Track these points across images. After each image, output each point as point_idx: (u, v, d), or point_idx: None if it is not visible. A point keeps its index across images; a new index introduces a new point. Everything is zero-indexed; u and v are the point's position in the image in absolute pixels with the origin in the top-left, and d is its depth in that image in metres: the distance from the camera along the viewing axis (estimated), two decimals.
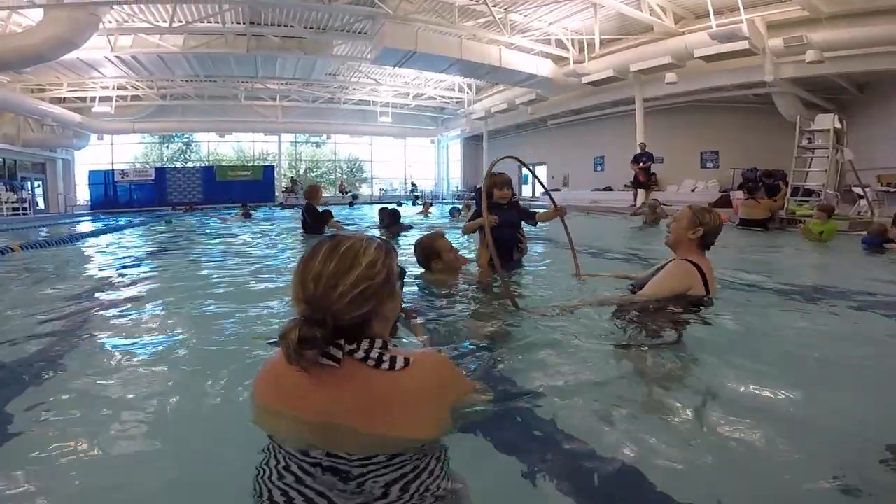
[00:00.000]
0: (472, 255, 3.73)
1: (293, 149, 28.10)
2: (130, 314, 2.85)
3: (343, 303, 0.98)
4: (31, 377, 1.87)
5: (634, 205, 13.46)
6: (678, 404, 1.62)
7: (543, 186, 4.38)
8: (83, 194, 21.48)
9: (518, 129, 22.95)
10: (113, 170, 21.49)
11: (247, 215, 12.36)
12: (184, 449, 1.38)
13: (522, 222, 3.83)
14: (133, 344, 2.24)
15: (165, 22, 12.17)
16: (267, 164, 25.01)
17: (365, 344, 1.01)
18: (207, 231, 9.50)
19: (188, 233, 9.23)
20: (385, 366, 0.99)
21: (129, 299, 3.23)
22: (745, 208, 8.22)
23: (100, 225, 11.68)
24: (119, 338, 2.37)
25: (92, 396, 1.68)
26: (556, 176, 21.95)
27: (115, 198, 20.52)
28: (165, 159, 26.40)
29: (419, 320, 2.29)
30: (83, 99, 18.84)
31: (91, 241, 7.84)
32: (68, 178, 21.68)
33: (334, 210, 14.81)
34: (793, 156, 9.94)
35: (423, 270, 3.23)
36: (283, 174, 25.63)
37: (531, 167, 3.91)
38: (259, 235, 8.16)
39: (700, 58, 11.40)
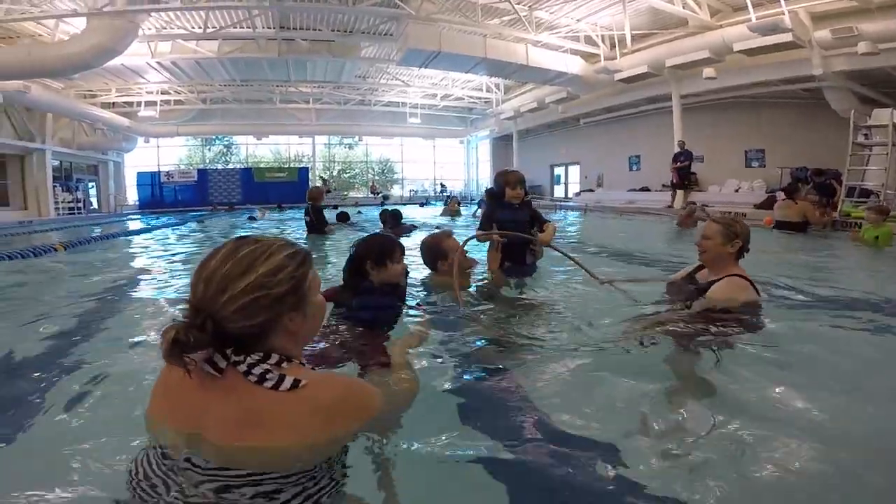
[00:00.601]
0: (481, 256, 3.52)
1: (327, 151, 28.68)
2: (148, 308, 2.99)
3: (229, 309, 0.90)
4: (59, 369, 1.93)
5: (672, 206, 13.06)
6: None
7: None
8: (132, 195, 22.72)
9: (549, 129, 22.48)
10: (159, 171, 22.66)
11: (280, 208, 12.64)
12: None
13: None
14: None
15: (200, 28, 12.66)
16: (301, 165, 25.64)
17: (253, 357, 0.94)
18: (230, 230, 9.78)
19: (217, 232, 9.51)
20: (268, 384, 0.92)
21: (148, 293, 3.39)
22: (781, 210, 7.63)
23: (138, 225, 12.29)
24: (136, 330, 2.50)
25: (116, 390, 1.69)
26: (590, 176, 21.34)
27: (161, 198, 21.62)
28: (207, 161, 27.52)
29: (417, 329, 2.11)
30: (130, 104, 19.88)
31: (129, 239, 8.28)
32: (119, 179, 22.96)
33: (364, 209, 15.05)
34: (847, 153, 9.26)
35: (429, 273, 3.05)
36: (318, 175, 26.19)
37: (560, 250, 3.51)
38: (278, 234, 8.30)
39: (740, 52, 10.78)
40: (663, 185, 15.92)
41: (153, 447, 0.94)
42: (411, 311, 2.42)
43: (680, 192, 13.12)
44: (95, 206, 21.31)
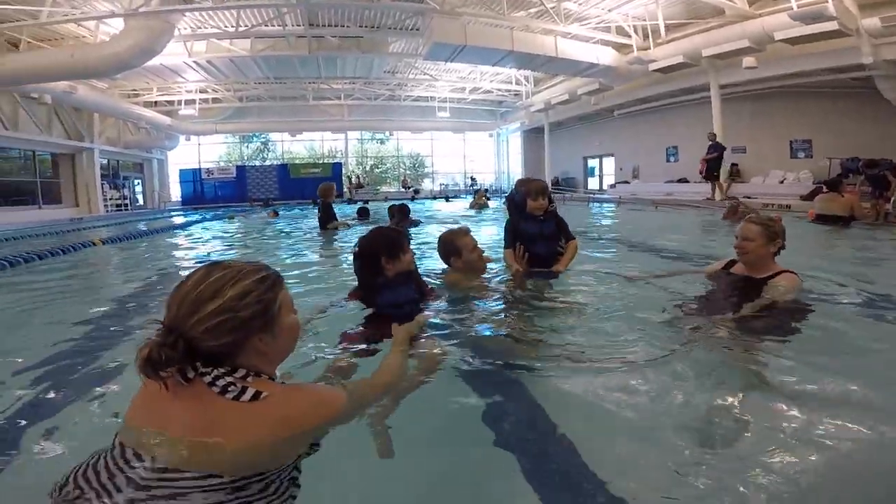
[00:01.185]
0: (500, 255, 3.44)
1: (359, 146, 29.05)
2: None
3: (198, 330, 0.98)
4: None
5: (711, 198, 12.72)
6: None
7: None
8: (175, 191, 23.73)
9: (581, 121, 21.95)
10: (200, 168, 23.54)
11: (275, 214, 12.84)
12: None
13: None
14: None
15: (233, 27, 13.01)
16: (335, 161, 26.07)
17: (219, 371, 1.01)
18: (251, 227, 10.04)
19: (245, 229, 9.86)
20: (230, 395, 0.99)
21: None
22: (823, 202, 7.14)
23: (173, 221, 12.84)
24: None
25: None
26: (625, 168, 20.73)
27: (203, 194, 22.45)
28: (245, 158, 28.39)
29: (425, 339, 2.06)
30: (171, 102, 20.73)
31: (161, 236, 8.65)
32: (163, 176, 24.04)
33: (396, 202, 15.13)
34: None
35: (445, 269, 3.01)
36: (352, 171, 26.59)
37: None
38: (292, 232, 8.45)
39: (782, 41, 10.20)
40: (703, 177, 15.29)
41: (114, 449, 0.98)
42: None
43: (720, 184, 12.79)
44: (141, 202, 22.39)
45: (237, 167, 24.12)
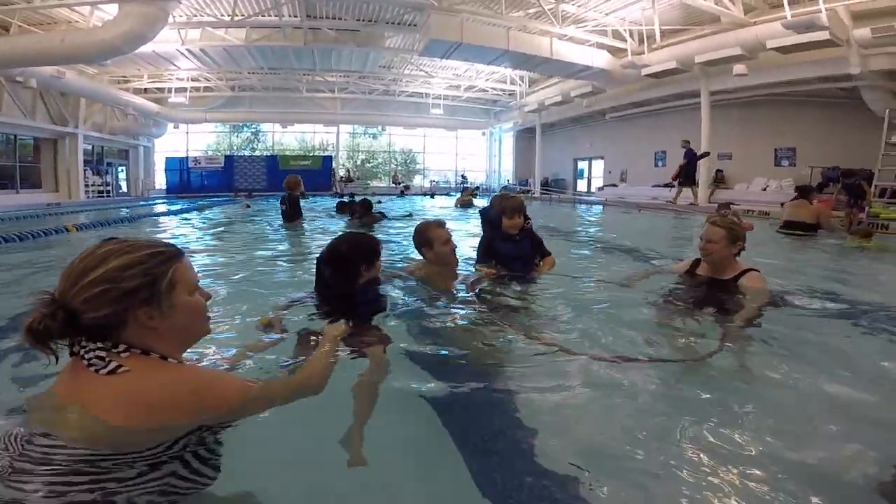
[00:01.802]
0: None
1: (351, 140, 28.87)
2: None
3: (78, 300, 0.96)
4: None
5: (673, 201, 13.36)
6: None
7: None
8: (161, 179, 23.31)
9: (574, 122, 22.15)
10: (187, 157, 23.16)
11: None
12: None
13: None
14: None
15: (228, 16, 12.85)
16: (326, 154, 25.89)
17: (95, 345, 0.98)
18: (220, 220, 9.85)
19: (210, 221, 9.63)
20: (92, 369, 0.97)
21: None
22: (791, 208, 7.04)
23: (150, 209, 12.52)
24: None
25: None
26: (614, 171, 21.01)
27: (189, 183, 22.11)
28: (235, 148, 28.00)
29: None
30: (161, 90, 20.35)
31: (140, 223, 8.47)
32: (148, 164, 23.57)
33: (383, 200, 15.11)
34: (879, 153, 8.93)
35: (421, 263, 3.03)
36: (342, 164, 26.43)
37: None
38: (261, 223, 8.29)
39: (774, 49, 10.43)
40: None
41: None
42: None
43: (694, 189, 13.36)
44: (125, 189, 21.96)
45: (225, 157, 23.78)
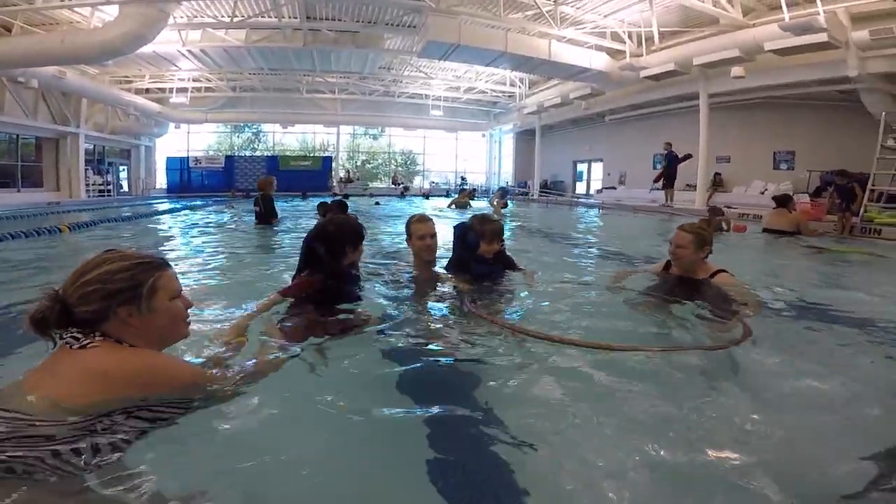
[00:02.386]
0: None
1: (351, 140, 28.94)
2: None
3: (74, 296, 1.18)
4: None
5: (667, 203, 13.64)
6: None
7: None
8: (162, 179, 23.40)
9: (573, 125, 22.16)
10: (188, 157, 23.29)
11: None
12: None
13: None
14: None
15: (228, 17, 12.92)
16: (325, 154, 25.96)
17: (75, 329, 1.17)
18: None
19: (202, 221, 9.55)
20: (68, 346, 1.15)
21: None
22: (771, 217, 7.44)
23: (142, 209, 12.48)
24: None
25: None
26: (613, 174, 20.99)
27: (189, 183, 22.24)
28: (236, 148, 28.10)
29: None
30: (163, 90, 20.45)
31: (132, 223, 8.48)
32: (149, 163, 23.68)
33: (382, 201, 15.14)
34: (875, 156, 8.92)
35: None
36: (342, 165, 26.51)
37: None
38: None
39: (772, 51, 10.42)
40: (687, 185, 15.59)
41: None
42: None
43: (670, 191, 13.76)
44: (126, 189, 22.06)
45: (226, 157, 23.95)
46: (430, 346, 2.04)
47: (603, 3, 12.46)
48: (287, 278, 2.72)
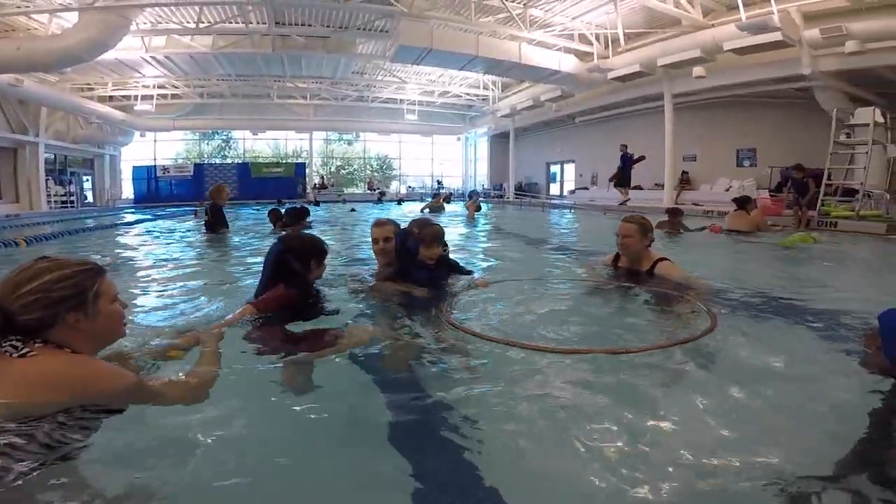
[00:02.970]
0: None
1: (325, 146, 28.68)
2: None
3: (15, 305, 1.19)
4: None
5: (623, 203, 13.93)
6: None
7: None
8: (128, 189, 22.72)
9: (546, 127, 22.47)
10: (155, 165, 22.66)
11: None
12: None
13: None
14: None
15: (194, 23, 12.67)
16: (299, 161, 25.65)
17: (14, 337, 1.18)
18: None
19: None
20: (7, 354, 1.16)
21: None
22: (731, 219, 7.55)
23: (103, 221, 11.98)
24: None
25: None
26: (585, 174, 21.36)
27: (157, 192, 21.61)
28: (206, 156, 27.49)
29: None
30: (127, 97, 19.89)
31: (92, 235, 8.16)
32: (114, 173, 22.97)
33: (359, 207, 14.98)
34: (828, 152, 9.30)
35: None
36: (316, 171, 26.24)
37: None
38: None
39: (730, 51, 10.79)
40: (655, 184, 16.01)
41: None
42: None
43: (622, 190, 14.22)
44: (90, 199, 21.34)
45: (195, 165, 23.37)
46: (387, 353, 2.04)
47: (571, 5, 12.72)
48: (240, 288, 2.68)
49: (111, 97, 19.44)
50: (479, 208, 11.90)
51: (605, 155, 19.64)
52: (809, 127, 13.08)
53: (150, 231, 8.83)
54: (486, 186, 25.88)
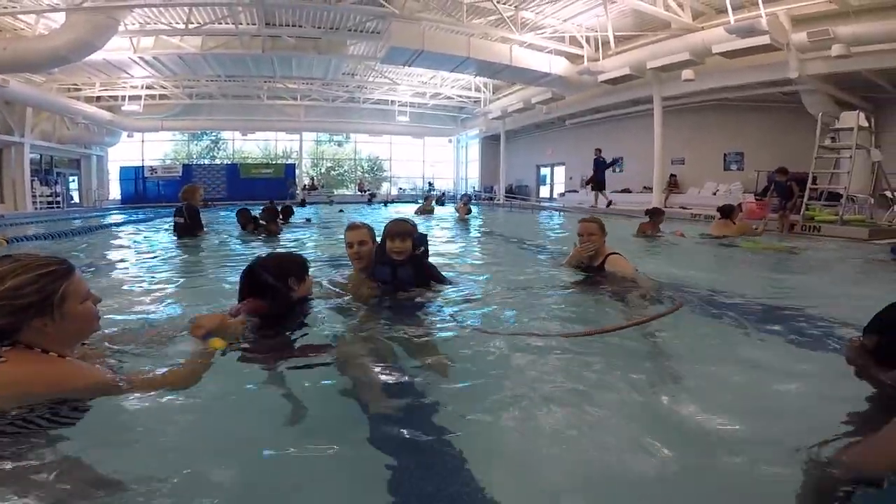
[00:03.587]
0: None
1: (316, 147, 28.57)
2: None
3: None
4: None
5: (594, 206, 14.34)
6: None
7: None
8: (115, 189, 22.43)
9: (536, 129, 22.59)
10: (143, 166, 22.40)
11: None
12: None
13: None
14: None
15: (183, 24, 12.57)
16: (289, 162, 25.52)
17: None
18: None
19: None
20: None
21: None
22: (716, 228, 7.43)
23: (85, 223, 11.62)
24: None
25: None
26: (575, 177, 21.47)
27: (145, 193, 21.35)
28: (194, 156, 27.25)
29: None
30: (115, 98, 19.65)
31: (76, 236, 8.03)
32: (102, 173, 22.68)
33: (348, 208, 14.88)
34: (813, 156, 9.45)
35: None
36: (306, 172, 26.12)
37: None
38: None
39: (719, 54, 10.91)
40: (644, 187, 16.15)
41: None
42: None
43: (598, 194, 14.56)
44: (77, 200, 21.04)
45: (183, 166, 23.16)
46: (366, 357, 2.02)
47: (562, 7, 12.78)
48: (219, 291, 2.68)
49: (98, 97, 19.20)
50: (469, 211, 11.95)
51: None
52: (796, 131, 13.24)
53: (135, 233, 8.71)
54: (476, 188, 25.92)
